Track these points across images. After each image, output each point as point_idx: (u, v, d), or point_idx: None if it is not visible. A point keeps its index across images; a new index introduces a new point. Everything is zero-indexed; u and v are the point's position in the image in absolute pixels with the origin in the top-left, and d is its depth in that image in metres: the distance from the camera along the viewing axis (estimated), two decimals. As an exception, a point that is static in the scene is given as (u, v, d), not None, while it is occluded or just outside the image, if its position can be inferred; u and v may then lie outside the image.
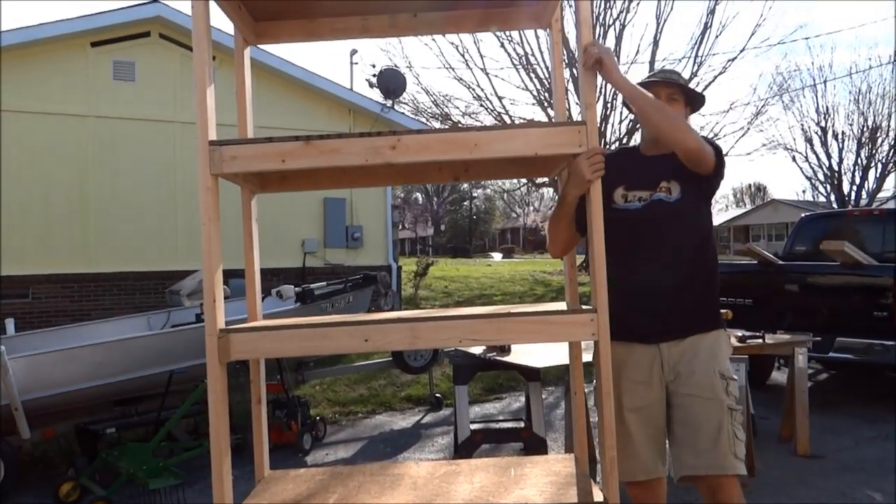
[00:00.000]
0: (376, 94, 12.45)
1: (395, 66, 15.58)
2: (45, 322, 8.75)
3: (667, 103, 2.38)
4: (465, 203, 58.80)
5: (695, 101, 2.53)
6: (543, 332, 2.29)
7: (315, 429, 5.71)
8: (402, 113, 13.08)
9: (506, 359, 4.78)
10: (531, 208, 58.37)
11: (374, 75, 12.32)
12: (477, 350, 5.04)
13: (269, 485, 2.62)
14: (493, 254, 48.41)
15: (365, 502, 2.32)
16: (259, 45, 2.84)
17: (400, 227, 65.67)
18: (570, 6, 8.85)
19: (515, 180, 25.26)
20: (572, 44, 18.09)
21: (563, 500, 2.28)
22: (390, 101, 12.27)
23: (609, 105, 19.06)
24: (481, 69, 19.77)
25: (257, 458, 2.72)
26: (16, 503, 4.63)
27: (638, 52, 21.03)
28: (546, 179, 21.11)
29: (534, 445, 4.94)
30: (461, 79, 19.34)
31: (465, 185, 52.67)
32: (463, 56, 22.23)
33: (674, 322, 2.36)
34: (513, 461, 2.83)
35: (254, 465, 2.69)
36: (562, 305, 2.75)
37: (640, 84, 2.40)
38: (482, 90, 19.05)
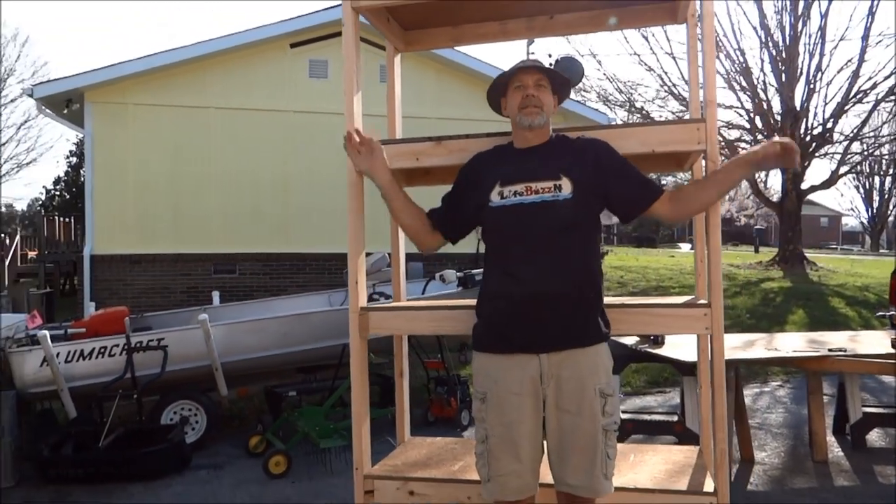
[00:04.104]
0: (563, 75, 12.46)
1: (577, 52, 15.46)
2: (247, 295, 9.84)
3: (535, 89, 2.26)
4: (653, 191, 56.66)
5: (562, 88, 2.39)
6: (656, 325, 2.37)
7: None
8: (579, 101, 13.02)
9: (658, 351, 4.76)
10: (726, 197, 55.11)
11: (550, 64, 12.36)
12: (629, 341, 5.06)
13: (407, 448, 2.92)
14: (681, 244, 46.40)
15: (485, 471, 2.52)
16: (410, 51, 3.10)
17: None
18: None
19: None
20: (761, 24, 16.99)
21: (671, 487, 2.35)
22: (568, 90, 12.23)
23: (811, 88, 17.64)
24: (668, 53, 19.03)
25: (399, 425, 3.04)
26: (215, 451, 5.37)
27: (848, 27, 19.14)
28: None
29: (687, 440, 4.89)
30: (646, 64, 18.50)
31: (655, 174, 50.77)
32: (647, 40, 21.43)
33: (555, 333, 2.16)
34: (637, 448, 2.92)
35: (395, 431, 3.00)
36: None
37: (508, 72, 2.32)
38: (667, 75, 18.31)
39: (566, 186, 2.18)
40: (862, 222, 52.05)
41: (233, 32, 10.39)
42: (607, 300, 2.36)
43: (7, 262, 15.57)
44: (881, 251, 43.13)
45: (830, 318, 10.72)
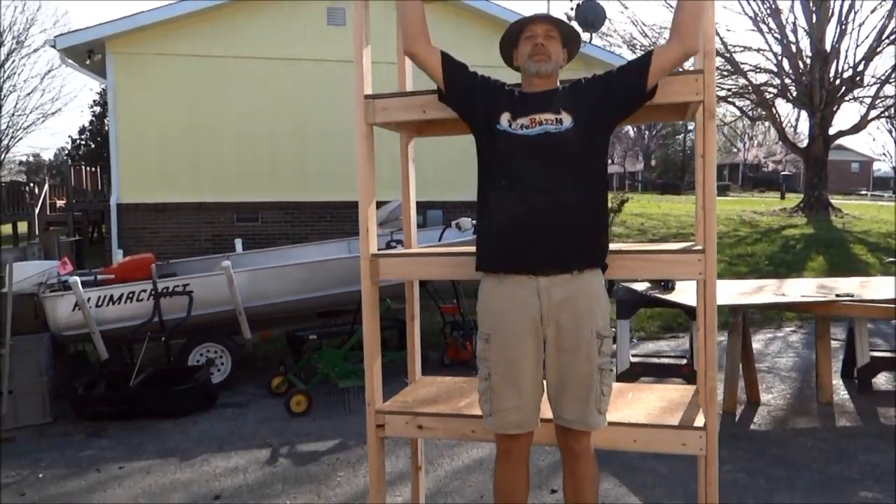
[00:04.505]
0: (575, 28, 12.31)
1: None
2: (270, 243, 10.03)
3: (544, 39, 2.34)
4: (679, 137, 55.89)
5: (571, 40, 2.46)
6: (652, 269, 2.48)
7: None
8: (600, 47, 12.82)
9: (668, 296, 4.87)
10: (754, 143, 54.21)
11: (572, 8, 12.21)
12: (640, 287, 5.17)
13: (417, 386, 3.08)
14: (707, 191, 45.79)
15: (489, 407, 2.67)
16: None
17: (609, 161, 64.09)
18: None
19: (737, 111, 23.57)
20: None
21: (663, 423, 2.49)
22: (589, 35, 12.10)
23: (842, 28, 17.17)
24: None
25: (410, 365, 3.19)
26: (239, 391, 5.62)
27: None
28: (764, 112, 19.62)
29: (693, 381, 5.03)
30: (671, 6, 18.09)
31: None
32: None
33: (557, 250, 2.27)
34: (636, 387, 3.05)
35: (407, 370, 3.16)
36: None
37: (517, 23, 2.41)
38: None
39: (566, 119, 2.29)
40: (894, 167, 51.03)
41: (251, -19, 10.35)
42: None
43: (37, 211, 15.91)
44: (912, 197, 42.32)
45: (850, 265, 10.70)
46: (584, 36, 11.94)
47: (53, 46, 10.27)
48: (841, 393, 5.18)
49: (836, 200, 22.95)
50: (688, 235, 13.94)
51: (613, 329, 6.02)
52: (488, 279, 2.39)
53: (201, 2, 10.26)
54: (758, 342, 6.91)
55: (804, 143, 19.20)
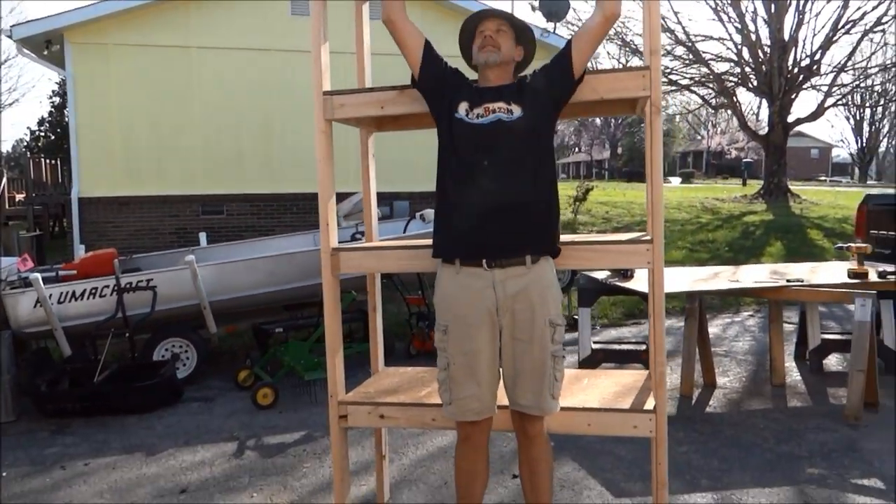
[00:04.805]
0: (538, 19, 12.42)
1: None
2: (236, 236, 10.00)
3: (496, 34, 2.44)
4: (644, 124, 56.39)
5: (526, 38, 2.54)
6: (603, 259, 2.56)
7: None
8: (563, 37, 12.92)
9: (626, 284, 4.99)
10: (718, 130, 55.01)
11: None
12: (600, 275, 5.28)
13: (380, 377, 3.15)
14: (672, 178, 46.47)
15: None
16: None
17: (575, 150, 64.59)
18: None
19: (699, 100, 23.92)
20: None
21: (615, 406, 2.59)
22: (553, 25, 12.17)
23: (800, 18, 17.50)
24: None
25: (373, 357, 3.26)
26: (205, 385, 5.62)
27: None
28: (726, 101, 19.93)
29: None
30: (635, -5, 18.27)
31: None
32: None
33: (510, 236, 2.36)
34: (591, 373, 3.16)
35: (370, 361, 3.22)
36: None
37: (470, 18, 2.51)
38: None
39: (516, 110, 2.39)
40: (851, 154, 52.20)
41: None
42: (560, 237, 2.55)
43: (-5, 205, 15.60)
44: (869, 182, 43.39)
45: (807, 250, 10.99)
46: (549, 26, 12.01)
47: (9, 37, 10.06)
48: (794, 375, 5.37)
49: (795, 186, 23.46)
50: (651, 223, 14.18)
51: (576, 315, 6.12)
52: (445, 270, 2.46)
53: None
54: (716, 327, 7.11)
55: (765, 131, 19.59)
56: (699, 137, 59.63)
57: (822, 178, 49.70)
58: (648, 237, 2.49)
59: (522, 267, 2.37)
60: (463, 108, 2.42)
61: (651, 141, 2.48)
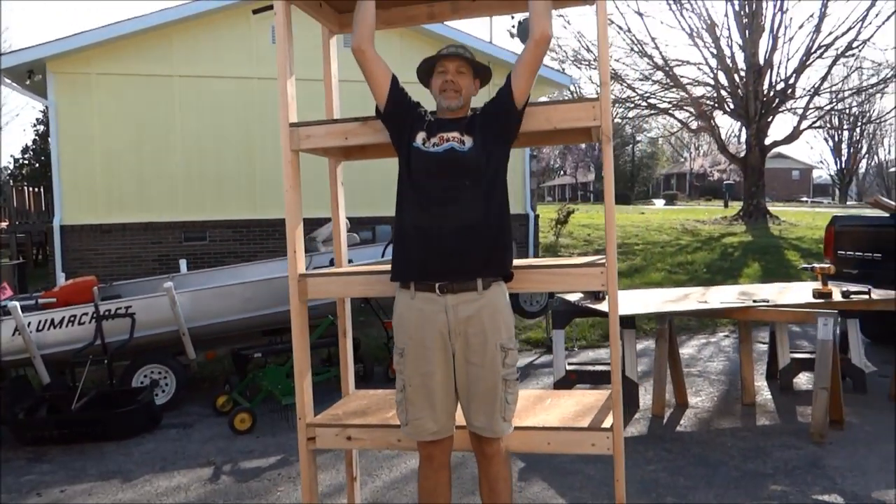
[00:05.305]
0: (517, 45, 12.64)
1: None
2: (218, 262, 10.04)
3: (455, 76, 2.57)
4: (628, 147, 57.04)
5: (482, 74, 2.68)
6: (559, 282, 2.66)
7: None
8: (545, 65, 13.19)
9: (598, 307, 5.09)
10: (700, 152, 55.68)
11: (513, 26, 12.52)
12: (574, 297, 5.38)
13: (350, 400, 3.22)
14: (655, 200, 46.99)
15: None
16: (344, 34, 3.29)
17: (561, 172, 65.05)
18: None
19: (676, 123, 24.32)
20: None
21: (574, 425, 2.67)
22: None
23: (774, 43, 17.88)
24: (636, 12, 19.13)
25: (343, 380, 3.32)
26: (184, 411, 5.65)
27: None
28: (704, 124, 20.24)
29: (625, 388, 5.25)
30: (615, 23, 18.64)
31: (629, 129, 51.04)
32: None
33: (460, 262, 2.44)
34: (554, 393, 3.24)
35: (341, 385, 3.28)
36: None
37: (431, 58, 2.63)
38: (631, 35, 18.46)
39: (468, 141, 2.52)
40: (831, 175, 52.92)
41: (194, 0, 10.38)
42: (515, 262, 2.64)
43: (-23, 234, 15.53)
44: (849, 203, 43.96)
45: (783, 271, 11.16)
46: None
47: (-9, 68, 10.13)
48: (764, 394, 5.47)
49: (777, 208, 23.77)
50: (631, 245, 14.35)
51: (554, 336, 6.16)
52: (401, 294, 2.56)
53: (145, 20, 10.24)
54: (691, 347, 7.22)
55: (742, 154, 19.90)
56: (682, 160, 60.33)
57: (804, 199, 50.32)
58: (602, 260, 2.60)
59: (474, 292, 2.47)
60: (420, 137, 2.54)
61: (604, 168, 2.59)
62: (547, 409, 2.90)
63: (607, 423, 2.64)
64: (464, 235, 2.44)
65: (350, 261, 6.11)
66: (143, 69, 10.43)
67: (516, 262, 2.67)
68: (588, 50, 19.68)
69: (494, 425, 2.48)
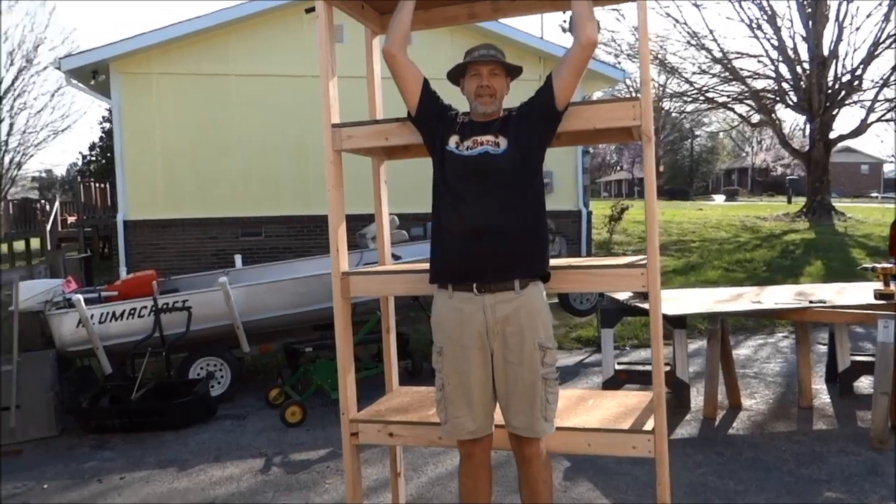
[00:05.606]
0: (568, 39, 12.49)
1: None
2: (273, 257, 10.24)
3: (489, 79, 2.56)
4: (686, 142, 55.89)
5: (514, 71, 2.66)
6: (597, 283, 2.64)
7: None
8: (596, 59, 13.01)
9: (646, 306, 5.00)
10: (763, 147, 54.18)
11: (565, 20, 12.40)
12: (622, 296, 5.31)
13: (393, 396, 3.26)
14: (715, 196, 45.86)
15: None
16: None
17: (617, 168, 64.09)
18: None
19: (735, 117, 23.78)
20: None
21: (615, 427, 2.65)
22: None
23: (840, 33, 17.24)
24: (693, 4, 18.70)
25: (387, 376, 3.37)
26: (239, 403, 5.80)
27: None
28: (764, 118, 19.68)
29: (676, 389, 5.17)
30: (671, 16, 18.30)
31: (687, 124, 50.00)
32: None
33: (497, 263, 2.46)
34: (597, 393, 3.21)
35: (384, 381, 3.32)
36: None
37: (464, 63, 2.61)
38: (687, 27, 18.05)
39: (503, 143, 2.53)
40: (902, 169, 50.77)
41: (250, 0, 10.60)
42: (553, 262, 2.64)
43: (49, 228, 16.22)
44: (922, 199, 42.11)
45: (848, 270, 10.76)
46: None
47: (58, 68, 10.55)
48: (823, 397, 5.30)
49: (843, 203, 22.95)
50: (688, 242, 14.06)
51: (602, 335, 6.09)
52: (440, 294, 2.58)
53: (203, 20, 10.51)
54: (748, 348, 7.05)
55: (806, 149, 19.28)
56: (744, 154, 58.76)
57: (874, 194, 48.40)
58: (644, 260, 2.56)
59: (511, 292, 2.47)
60: (454, 140, 2.56)
61: (645, 168, 2.55)
62: (588, 410, 2.88)
63: (649, 425, 2.61)
64: (500, 237, 2.45)
65: (398, 257, 6.20)
66: (202, 68, 10.71)
67: (555, 261, 2.66)
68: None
69: (535, 425, 2.48)
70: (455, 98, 2.76)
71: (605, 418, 2.75)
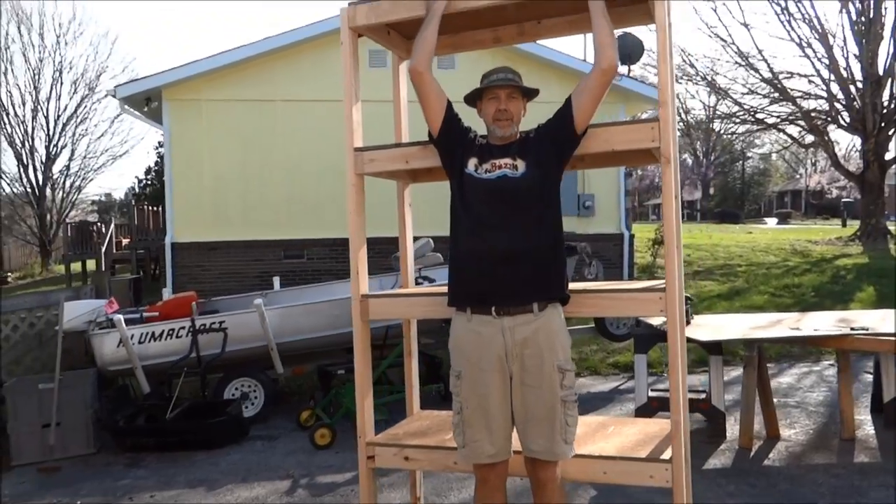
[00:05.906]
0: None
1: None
2: (315, 279, 10.35)
3: (507, 103, 2.57)
4: (738, 164, 54.87)
5: (531, 93, 2.69)
6: (615, 307, 2.61)
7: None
8: (634, 79, 12.92)
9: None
10: (816, 168, 52.90)
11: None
12: (657, 321, 5.22)
13: (413, 420, 3.25)
14: (767, 219, 44.78)
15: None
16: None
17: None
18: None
19: (787, 138, 23.26)
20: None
21: (632, 455, 2.59)
22: (627, 68, 12.20)
23: (895, 53, 16.79)
24: (741, 23, 18.46)
25: (408, 399, 3.36)
26: (271, 424, 5.86)
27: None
28: (816, 139, 19.24)
29: (713, 417, 5.05)
30: (719, 37, 18.09)
31: (739, 146, 49.09)
32: (715, 11, 20.84)
33: (515, 286, 2.46)
34: (618, 421, 3.15)
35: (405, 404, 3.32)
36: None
37: (481, 87, 2.62)
38: (735, 46, 17.81)
39: (521, 165, 2.55)
40: (967, 192, 48.86)
41: (294, 28, 10.88)
42: (571, 285, 2.61)
43: (104, 250, 16.73)
44: None
45: (902, 296, 10.39)
46: (622, 69, 12.04)
47: (114, 96, 10.95)
48: (867, 428, 5.10)
49: (898, 228, 22.15)
50: (734, 266, 13.75)
51: (636, 361, 5.96)
52: (458, 317, 2.57)
53: (249, 48, 10.81)
54: (791, 376, 6.83)
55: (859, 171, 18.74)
56: (797, 176, 57.40)
57: (937, 217, 46.61)
58: (662, 285, 2.52)
59: (530, 314, 2.46)
60: (472, 163, 2.57)
61: (663, 190, 2.52)
62: (607, 437, 2.83)
63: (667, 454, 2.55)
64: (518, 260, 2.46)
65: (430, 280, 6.21)
66: (248, 94, 10.99)
67: (573, 285, 2.64)
68: (691, 65, 19.19)
69: (555, 447, 2.46)
70: (471, 119, 2.77)
71: (623, 446, 2.69)
